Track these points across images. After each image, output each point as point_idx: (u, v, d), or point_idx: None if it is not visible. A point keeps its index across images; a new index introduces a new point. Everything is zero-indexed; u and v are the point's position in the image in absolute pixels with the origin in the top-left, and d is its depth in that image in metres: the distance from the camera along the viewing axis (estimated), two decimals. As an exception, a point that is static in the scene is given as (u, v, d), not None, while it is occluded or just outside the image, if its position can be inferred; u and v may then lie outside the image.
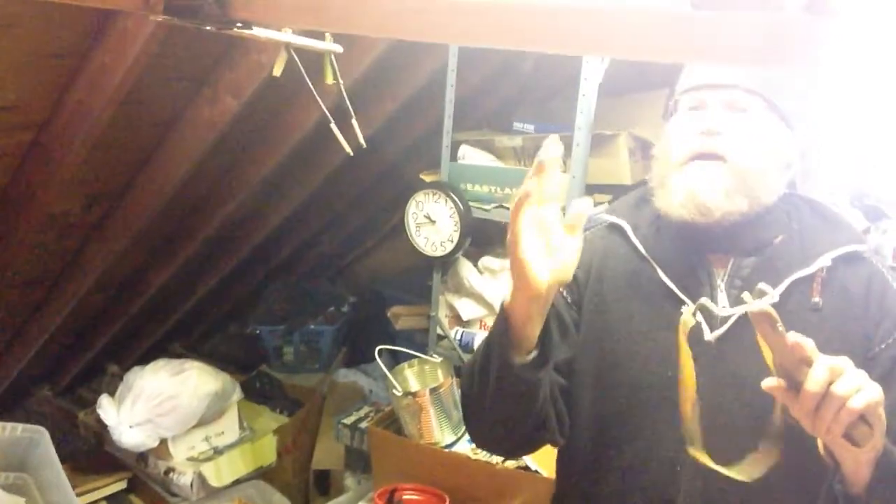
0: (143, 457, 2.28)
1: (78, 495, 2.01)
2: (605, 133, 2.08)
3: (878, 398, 0.87)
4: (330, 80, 1.10)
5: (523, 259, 0.88)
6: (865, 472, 0.93)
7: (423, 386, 1.93)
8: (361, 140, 1.15)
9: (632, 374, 1.12)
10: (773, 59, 0.55)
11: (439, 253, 2.17)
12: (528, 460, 1.70)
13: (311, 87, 1.07)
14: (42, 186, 1.87)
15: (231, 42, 1.77)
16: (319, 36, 1.02)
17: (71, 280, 2.40)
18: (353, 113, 1.14)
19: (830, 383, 0.85)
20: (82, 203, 2.10)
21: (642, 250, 1.17)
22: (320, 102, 1.11)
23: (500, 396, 1.01)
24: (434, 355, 2.09)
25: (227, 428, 2.36)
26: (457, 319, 2.29)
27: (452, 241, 2.13)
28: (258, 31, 0.85)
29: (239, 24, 0.80)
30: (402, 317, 2.67)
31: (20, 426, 1.94)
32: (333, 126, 1.13)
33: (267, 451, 2.41)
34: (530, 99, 2.74)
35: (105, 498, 2.31)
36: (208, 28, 0.79)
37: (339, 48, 1.05)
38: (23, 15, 1.37)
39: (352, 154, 1.21)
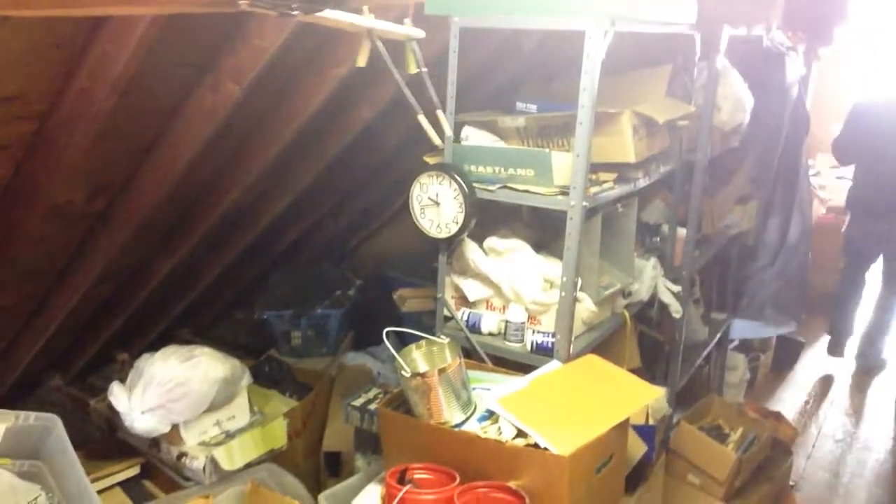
0: (155, 442, 2.30)
1: (92, 481, 2.02)
2: (609, 111, 2.07)
3: None
4: (413, 69, 1.05)
5: None
6: None
7: (431, 367, 1.94)
8: (449, 131, 1.12)
9: None
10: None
11: (444, 235, 2.17)
12: (538, 437, 1.71)
13: (398, 76, 1.02)
14: (46, 177, 1.87)
15: (232, 27, 1.76)
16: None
17: (77, 270, 2.40)
18: (439, 104, 1.10)
19: None
20: (86, 193, 2.10)
21: None
22: (407, 93, 1.06)
23: None
24: (441, 336, 2.10)
25: (238, 412, 2.38)
26: (463, 300, 2.30)
27: (457, 223, 2.12)
28: (342, 16, 0.83)
29: (321, 11, 0.78)
30: (409, 299, 2.68)
31: (33, 414, 1.95)
32: (422, 118, 1.10)
33: (277, 434, 2.43)
34: (532, 79, 2.72)
35: (119, 483, 2.33)
36: (293, 13, 0.77)
37: (421, 33, 1.00)
38: (23, 5, 1.36)
39: (442, 146, 1.17)
